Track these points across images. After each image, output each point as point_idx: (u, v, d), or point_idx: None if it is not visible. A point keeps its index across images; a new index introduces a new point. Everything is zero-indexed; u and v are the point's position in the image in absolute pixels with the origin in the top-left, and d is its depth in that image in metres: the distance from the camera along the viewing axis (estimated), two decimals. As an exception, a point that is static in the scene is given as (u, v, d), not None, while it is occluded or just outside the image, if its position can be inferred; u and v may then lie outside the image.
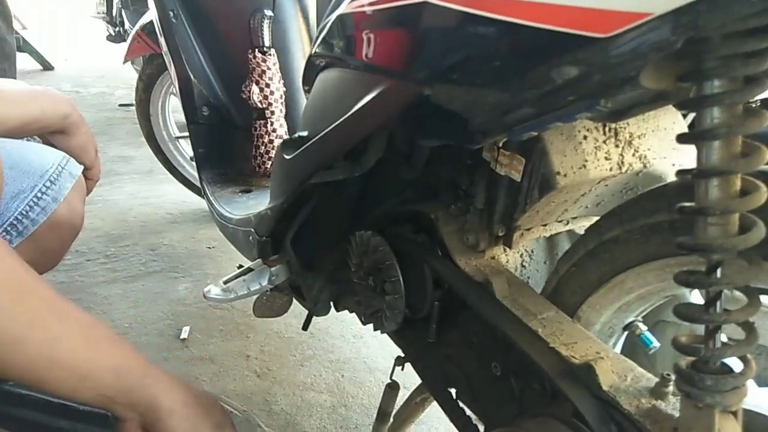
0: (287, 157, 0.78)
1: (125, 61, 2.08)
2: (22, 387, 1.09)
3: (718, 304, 0.46)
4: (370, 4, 0.55)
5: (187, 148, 2.25)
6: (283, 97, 1.48)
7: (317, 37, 0.70)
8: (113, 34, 4.48)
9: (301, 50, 1.54)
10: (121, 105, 4.24)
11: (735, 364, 0.48)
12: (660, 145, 0.70)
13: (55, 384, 0.62)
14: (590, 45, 0.40)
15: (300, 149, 0.75)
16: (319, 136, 0.70)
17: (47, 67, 5.43)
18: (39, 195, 0.83)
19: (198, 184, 1.62)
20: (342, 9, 0.61)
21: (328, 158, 0.73)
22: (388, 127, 0.70)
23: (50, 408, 1.05)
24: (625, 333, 0.72)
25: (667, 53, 0.40)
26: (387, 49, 0.56)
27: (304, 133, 0.77)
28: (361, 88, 0.60)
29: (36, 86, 0.92)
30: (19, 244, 0.83)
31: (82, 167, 0.92)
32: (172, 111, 2.22)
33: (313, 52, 0.72)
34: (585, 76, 0.44)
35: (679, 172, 0.46)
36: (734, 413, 0.48)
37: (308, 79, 0.81)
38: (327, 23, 0.66)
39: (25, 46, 5.20)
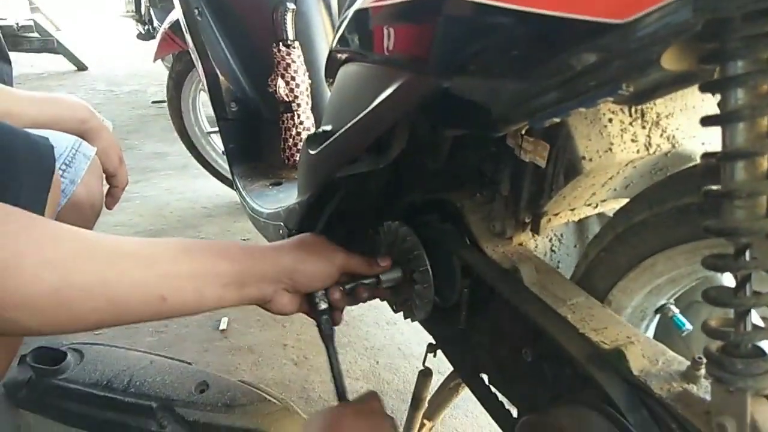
0: (312, 152, 0.79)
1: (155, 59, 2.12)
2: (71, 381, 1.14)
3: (747, 287, 0.45)
4: (386, -2, 0.56)
5: (218, 142, 2.29)
6: (309, 89, 1.49)
7: (336, 32, 0.70)
8: (143, 32, 4.56)
9: (325, 42, 1.55)
10: (154, 102, 4.32)
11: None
12: (689, 124, 0.69)
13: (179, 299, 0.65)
14: (608, 31, 0.40)
15: (324, 144, 0.76)
16: (342, 130, 0.70)
17: (81, 67, 5.56)
18: None
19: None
20: (359, 4, 0.62)
21: (351, 152, 0.74)
22: (410, 120, 0.70)
23: (97, 401, 1.10)
24: (658, 316, 0.72)
25: (687, 36, 0.40)
26: (403, 43, 0.56)
27: (328, 128, 0.78)
28: (380, 82, 0.61)
29: (56, 93, 0.95)
30: None
31: (95, 149, 0.94)
32: (202, 106, 2.26)
33: (333, 46, 0.72)
34: (605, 62, 0.44)
35: (704, 155, 0.46)
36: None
37: (331, 72, 0.81)
38: (345, 18, 0.66)
39: (59, 48, 5.33)
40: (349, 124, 0.68)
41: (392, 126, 0.64)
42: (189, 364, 1.20)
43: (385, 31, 0.58)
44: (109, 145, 1.02)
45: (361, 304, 1.14)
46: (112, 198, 1.08)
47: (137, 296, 0.62)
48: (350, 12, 0.65)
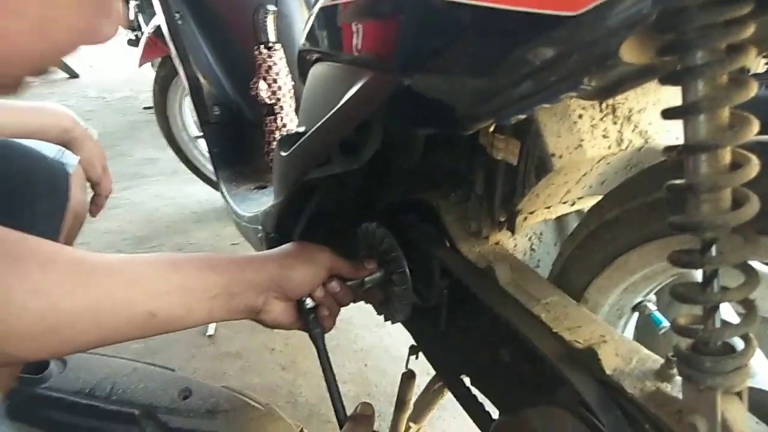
0: (284, 153, 0.78)
1: (140, 65, 2.11)
2: (54, 390, 1.13)
3: (714, 282, 0.44)
4: (345, -4, 0.55)
5: (205, 146, 2.28)
6: (292, 91, 1.48)
7: (303, 31, 0.69)
8: (133, 38, 4.54)
9: (307, 43, 1.54)
10: (145, 108, 4.30)
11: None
12: (662, 119, 0.68)
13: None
14: (562, 24, 0.39)
15: (294, 145, 0.75)
16: (311, 131, 0.69)
17: (73, 75, 5.54)
18: None
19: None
20: (321, 2, 0.61)
21: (320, 153, 0.73)
22: (382, 120, 0.69)
23: (80, 409, 1.09)
24: (636, 314, 0.71)
25: (643, 27, 0.39)
26: (363, 41, 0.55)
27: (301, 129, 0.77)
28: (345, 81, 0.60)
29: (42, 102, 0.94)
30: None
31: (78, 158, 0.94)
32: (189, 111, 2.25)
33: (301, 46, 0.72)
34: (562, 56, 0.43)
35: (666, 149, 0.45)
36: (739, 393, 0.47)
37: (303, 72, 0.80)
38: (311, 17, 0.66)
39: (50, 56, 5.32)
40: (316, 125, 0.67)
41: (359, 125, 0.63)
42: (172, 370, 1.19)
43: (345, 30, 0.57)
44: (93, 154, 1.01)
45: (348, 307, 1.14)
46: (96, 206, 1.08)
47: (125, 316, 0.60)
48: (315, 10, 0.64)
